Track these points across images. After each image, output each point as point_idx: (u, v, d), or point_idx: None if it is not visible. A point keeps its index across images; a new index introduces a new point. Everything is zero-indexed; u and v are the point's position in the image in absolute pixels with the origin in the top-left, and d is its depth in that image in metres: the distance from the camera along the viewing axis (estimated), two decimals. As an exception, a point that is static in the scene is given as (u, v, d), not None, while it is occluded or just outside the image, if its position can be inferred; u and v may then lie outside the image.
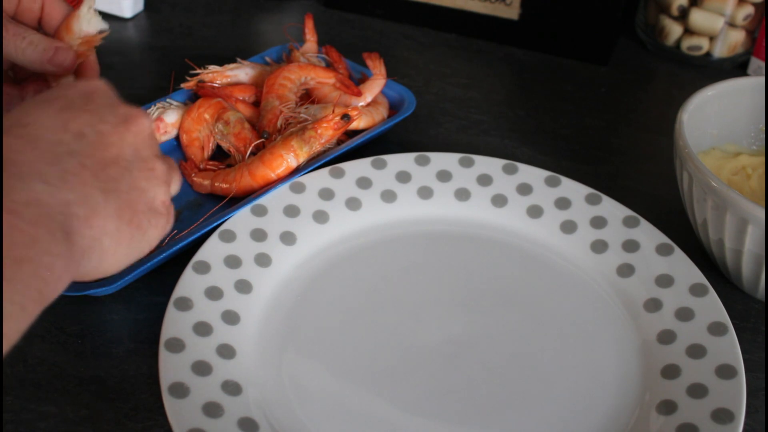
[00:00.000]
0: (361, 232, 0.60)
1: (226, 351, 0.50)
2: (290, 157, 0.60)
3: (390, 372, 0.51)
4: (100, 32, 0.53)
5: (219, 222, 0.57)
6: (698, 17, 0.78)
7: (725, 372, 0.48)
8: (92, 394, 0.49)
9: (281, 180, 0.60)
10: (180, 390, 0.46)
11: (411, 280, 0.56)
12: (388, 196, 0.61)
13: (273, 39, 0.83)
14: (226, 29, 0.84)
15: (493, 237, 0.60)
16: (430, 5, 0.83)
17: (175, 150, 0.66)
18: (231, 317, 0.52)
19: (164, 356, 0.48)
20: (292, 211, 0.59)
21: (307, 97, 0.68)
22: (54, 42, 0.50)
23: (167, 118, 0.65)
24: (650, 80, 0.81)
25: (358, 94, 0.67)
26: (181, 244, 0.55)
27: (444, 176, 0.62)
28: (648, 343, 0.52)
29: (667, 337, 0.52)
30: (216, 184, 0.61)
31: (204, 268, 0.53)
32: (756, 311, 0.57)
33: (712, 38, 0.79)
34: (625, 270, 0.56)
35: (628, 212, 0.59)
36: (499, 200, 0.61)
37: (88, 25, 0.50)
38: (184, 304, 0.51)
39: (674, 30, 0.80)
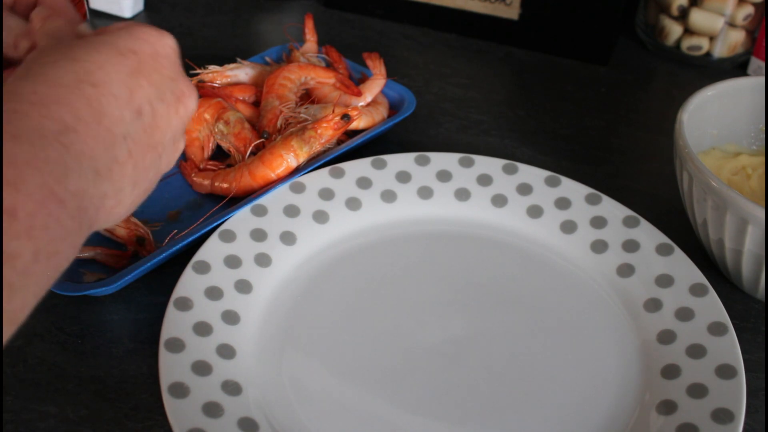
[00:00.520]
0: (361, 232, 0.60)
1: (226, 351, 0.50)
2: (290, 157, 0.60)
3: (390, 372, 0.51)
4: None
5: (219, 222, 0.57)
6: (698, 17, 0.78)
7: (725, 372, 0.48)
8: (92, 394, 0.49)
9: (281, 180, 0.60)
10: (180, 390, 0.46)
11: (411, 280, 0.56)
12: (388, 196, 0.61)
13: (273, 39, 0.83)
14: (226, 29, 0.84)
15: (493, 237, 0.60)
16: (430, 5, 0.83)
17: (175, 150, 0.66)
18: (231, 317, 0.52)
19: (164, 356, 0.48)
20: (292, 211, 0.59)
21: (307, 97, 0.68)
22: None
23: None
24: (650, 80, 0.81)
25: (358, 94, 0.67)
26: (181, 244, 0.55)
27: (444, 176, 0.62)
28: (648, 343, 0.52)
29: (667, 337, 0.52)
30: (216, 184, 0.61)
31: (204, 268, 0.53)
32: (756, 311, 0.57)
33: (712, 38, 0.79)
34: (625, 270, 0.56)
35: (628, 212, 0.59)
36: (499, 200, 0.61)
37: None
38: (184, 304, 0.51)
39: (674, 30, 0.80)
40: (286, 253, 0.57)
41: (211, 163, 0.64)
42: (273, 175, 0.60)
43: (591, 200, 0.60)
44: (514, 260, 0.58)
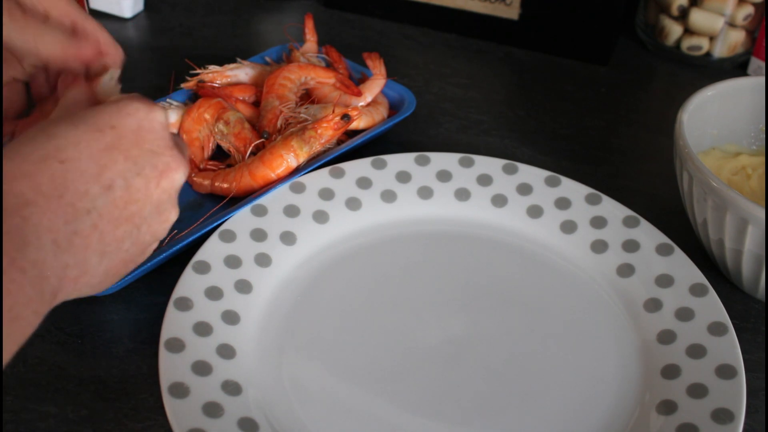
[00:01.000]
0: (361, 232, 0.60)
1: (226, 351, 0.50)
2: (290, 157, 0.60)
3: (390, 372, 0.51)
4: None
5: (219, 222, 0.57)
6: (698, 17, 0.78)
7: (725, 372, 0.48)
8: (92, 394, 0.49)
9: (281, 180, 0.60)
10: (180, 390, 0.46)
11: (411, 280, 0.56)
12: (388, 196, 0.61)
13: (273, 39, 0.83)
14: (226, 29, 0.84)
15: (493, 237, 0.60)
16: (430, 5, 0.83)
17: (175, 150, 0.66)
18: (231, 317, 0.52)
19: (164, 356, 0.48)
20: (292, 211, 0.59)
21: (307, 97, 0.68)
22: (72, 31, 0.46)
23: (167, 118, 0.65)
24: (650, 80, 0.81)
25: (358, 94, 0.67)
26: (181, 244, 0.55)
27: (444, 176, 0.62)
28: (648, 343, 0.52)
29: (667, 337, 0.52)
30: (216, 184, 0.61)
31: (204, 268, 0.53)
32: (756, 311, 0.57)
33: (712, 38, 0.79)
34: (625, 270, 0.56)
35: (628, 212, 0.59)
36: (499, 200, 0.61)
37: (105, 93, 0.48)
38: (184, 304, 0.51)
39: (674, 30, 0.80)
40: (286, 253, 0.57)
41: (211, 163, 0.64)
42: (273, 175, 0.60)
43: (591, 200, 0.60)
44: (514, 260, 0.58)
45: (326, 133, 0.61)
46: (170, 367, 0.47)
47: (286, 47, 0.74)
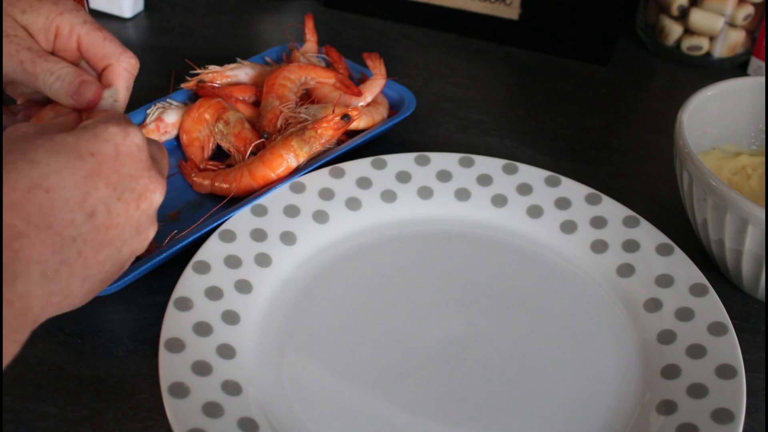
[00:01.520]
0: (361, 232, 0.60)
1: (226, 351, 0.50)
2: (290, 157, 0.60)
3: (390, 372, 0.51)
4: None
5: (219, 222, 0.57)
6: (698, 17, 0.78)
7: (725, 372, 0.48)
8: (92, 394, 0.49)
9: (281, 180, 0.60)
10: (180, 390, 0.46)
11: (411, 280, 0.56)
12: (388, 196, 0.61)
13: (273, 39, 0.83)
14: (226, 29, 0.84)
15: (493, 237, 0.60)
16: (430, 5, 0.83)
17: (175, 150, 0.66)
18: (231, 317, 0.52)
19: (164, 356, 0.48)
20: (292, 211, 0.59)
21: (307, 97, 0.68)
22: (81, 74, 0.48)
23: (167, 118, 0.65)
24: (650, 80, 0.81)
25: (358, 94, 0.67)
26: (181, 244, 0.55)
27: (444, 176, 0.62)
28: (648, 343, 0.52)
29: (667, 337, 0.52)
30: (216, 184, 0.61)
31: (204, 268, 0.53)
32: (756, 311, 0.57)
33: (712, 38, 0.79)
34: (625, 270, 0.56)
35: (628, 212, 0.59)
36: (499, 200, 0.61)
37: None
38: (184, 304, 0.51)
39: (674, 30, 0.80)
40: (286, 253, 0.57)
41: (211, 163, 0.64)
42: (273, 175, 0.60)
43: (591, 200, 0.60)
44: (514, 260, 0.58)
45: (326, 133, 0.61)
46: (170, 367, 0.47)
47: (286, 47, 0.74)
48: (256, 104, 0.68)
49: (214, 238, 0.55)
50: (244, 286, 0.54)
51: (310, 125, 0.61)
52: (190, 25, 0.84)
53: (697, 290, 0.53)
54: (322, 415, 0.48)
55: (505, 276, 0.57)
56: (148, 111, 0.65)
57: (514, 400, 0.49)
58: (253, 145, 0.62)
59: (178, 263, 0.55)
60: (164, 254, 0.54)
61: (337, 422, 0.47)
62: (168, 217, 0.60)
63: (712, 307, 0.52)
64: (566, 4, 0.78)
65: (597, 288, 0.56)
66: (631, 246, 0.57)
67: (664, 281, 0.55)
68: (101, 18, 0.83)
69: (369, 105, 0.68)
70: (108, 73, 0.49)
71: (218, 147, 0.65)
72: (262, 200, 0.59)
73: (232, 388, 0.48)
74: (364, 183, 0.61)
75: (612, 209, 0.59)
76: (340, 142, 0.65)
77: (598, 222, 0.59)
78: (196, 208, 0.61)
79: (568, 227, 0.59)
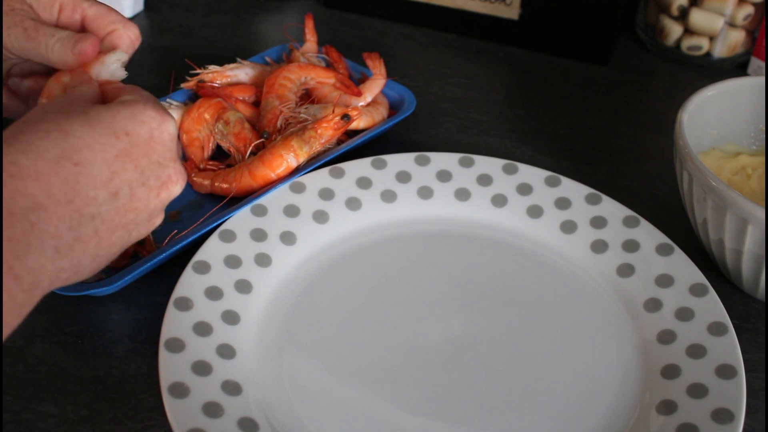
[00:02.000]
0: (361, 232, 0.60)
1: (226, 351, 0.50)
2: (290, 157, 0.60)
3: (390, 372, 0.51)
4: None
5: (219, 222, 0.57)
6: (698, 17, 0.78)
7: (725, 372, 0.48)
8: (92, 394, 0.49)
9: (281, 180, 0.60)
10: (180, 390, 0.46)
11: (411, 280, 0.56)
12: (388, 196, 0.61)
13: (273, 39, 0.83)
14: (226, 29, 0.84)
15: (493, 237, 0.60)
16: (430, 5, 0.83)
17: (175, 150, 0.66)
18: (231, 317, 0.52)
19: (164, 356, 0.48)
20: (292, 211, 0.59)
21: (307, 97, 0.68)
22: (80, 34, 0.48)
23: (167, 118, 0.65)
24: (650, 80, 0.81)
25: (358, 94, 0.67)
26: (181, 244, 0.55)
27: (444, 176, 0.62)
28: (648, 343, 0.52)
29: (667, 337, 0.52)
30: (216, 184, 0.61)
31: (204, 268, 0.53)
32: (756, 311, 0.57)
33: (712, 38, 0.79)
34: (625, 270, 0.56)
35: (628, 212, 0.59)
36: (499, 200, 0.61)
37: (109, 74, 0.48)
38: (184, 304, 0.51)
39: (674, 30, 0.80)
40: (286, 253, 0.57)
41: (211, 163, 0.64)
42: (273, 175, 0.60)
43: (591, 200, 0.60)
44: (514, 260, 0.58)
45: (326, 133, 0.61)
46: (170, 367, 0.47)
47: (286, 47, 0.74)
48: (256, 104, 0.68)
49: (214, 238, 0.55)
50: (244, 286, 0.54)
51: (310, 125, 0.61)
52: (190, 25, 0.84)
53: (697, 290, 0.53)
54: (322, 415, 0.48)
55: (505, 276, 0.57)
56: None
57: (514, 400, 0.49)
58: (253, 145, 0.62)
59: (178, 263, 0.55)
60: (164, 254, 0.54)
61: (337, 422, 0.47)
62: (168, 217, 0.60)
63: (712, 307, 0.52)
64: (566, 4, 0.78)
65: (597, 288, 0.56)
66: (631, 246, 0.57)
67: (664, 281, 0.55)
68: (101, 18, 0.83)
69: (369, 105, 0.68)
70: (112, 37, 0.49)
71: (218, 147, 0.65)
72: (262, 200, 0.59)
73: (232, 388, 0.48)
74: (364, 183, 0.61)
75: (612, 209, 0.59)
76: (340, 142, 0.65)
77: (598, 222, 0.59)
78: (196, 208, 0.61)
79: (568, 227, 0.59)
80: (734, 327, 0.51)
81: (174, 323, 0.50)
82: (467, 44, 0.83)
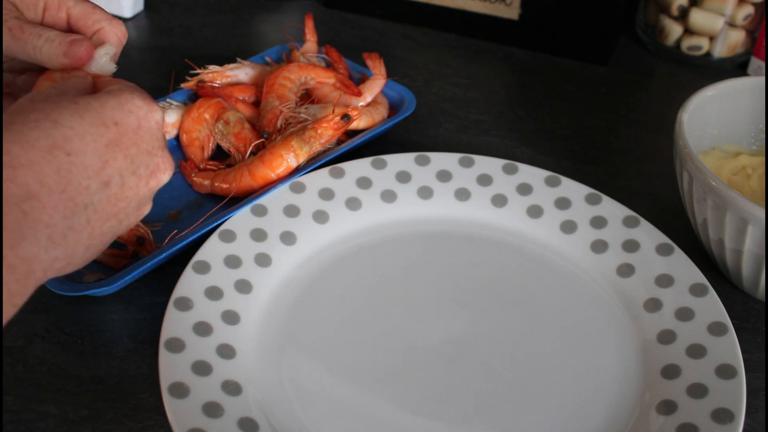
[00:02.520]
0: (361, 232, 0.60)
1: (226, 351, 0.50)
2: (290, 157, 0.60)
3: (390, 372, 0.51)
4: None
5: (219, 222, 0.57)
6: (698, 17, 0.78)
7: (725, 372, 0.48)
8: (92, 394, 0.49)
9: (281, 180, 0.60)
10: (180, 390, 0.46)
11: (411, 280, 0.56)
12: (388, 196, 0.61)
13: (273, 39, 0.83)
14: (226, 29, 0.84)
15: (493, 237, 0.60)
16: (430, 5, 0.83)
17: (175, 150, 0.66)
18: (231, 317, 0.52)
19: (164, 356, 0.48)
20: (292, 211, 0.59)
21: (307, 97, 0.68)
22: (69, 35, 0.48)
23: (167, 118, 0.65)
24: (650, 80, 0.81)
25: (358, 94, 0.67)
26: (181, 244, 0.55)
27: (444, 176, 0.62)
28: (648, 343, 0.52)
29: (667, 337, 0.52)
30: (216, 184, 0.61)
31: (204, 268, 0.53)
32: (756, 311, 0.57)
33: (712, 38, 0.79)
34: (625, 270, 0.56)
35: (628, 212, 0.59)
36: (499, 200, 0.61)
37: (99, 68, 0.49)
38: (184, 304, 0.51)
39: (674, 30, 0.80)
40: (286, 253, 0.57)
41: (211, 163, 0.64)
42: (273, 175, 0.60)
43: (591, 200, 0.60)
44: (514, 260, 0.58)
45: (326, 133, 0.61)
46: (170, 367, 0.47)
47: (286, 47, 0.74)
48: (256, 104, 0.68)
49: (214, 238, 0.55)
50: (244, 286, 0.54)
51: (310, 125, 0.61)
52: (190, 25, 0.84)
53: (697, 290, 0.53)
54: (322, 415, 0.48)
55: (505, 276, 0.57)
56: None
57: (514, 400, 0.49)
58: (253, 145, 0.62)
59: (178, 263, 0.55)
60: (164, 254, 0.54)
61: (337, 422, 0.47)
62: (168, 217, 0.60)
63: (712, 307, 0.52)
64: (566, 4, 0.78)
65: (597, 288, 0.56)
66: (631, 246, 0.57)
67: (664, 281, 0.55)
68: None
69: (369, 105, 0.68)
70: (100, 34, 0.49)
71: (218, 147, 0.65)
72: (262, 200, 0.59)
73: (232, 388, 0.48)
74: (364, 183, 0.61)
75: (612, 209, 0.59)
76: (340, 142, 0.65)
77: (598, 222, 0.59)
78: (196, 208, 0.61)
79: (568, 227, 0.59)
80: (734, 327, 0.51)
81: (174, 323, 0.50)
82: (467, 44, 0.83)
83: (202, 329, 0.50)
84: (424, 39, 0.84)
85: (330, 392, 0.49)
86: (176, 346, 0.48)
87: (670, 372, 0.50)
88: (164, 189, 0.61)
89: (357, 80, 0.71)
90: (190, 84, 0.68)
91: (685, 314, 0.52)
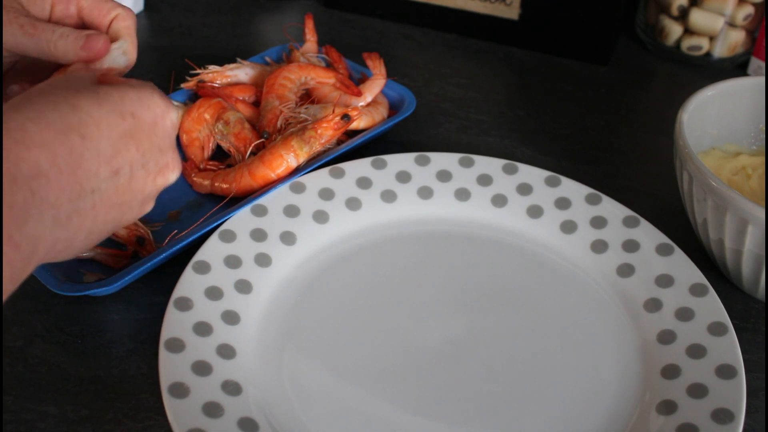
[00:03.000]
0: (361, 232, 0.60)
1: (226, 351, 0.50)
2: (290, 157, 0.60)
3: (390, 372, 0.51)
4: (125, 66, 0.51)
5: (219, 222, 0.57)
6: (698, 17, 0.78)
7: (725, 372, 0.48)
8: (92, 394, 0.49)
9: (281, 180, 0.60)
10: (180, 390, 0.46)
11: (411, 280, 0.56)
12: (388, 196, 0.61)
13: (273, 39, 0.83)
14: (226, 29, 0.84)
15: (493, 237, 0.60)
16: (430, 5, 0.83)
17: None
18: (231, 317, 0.52)
19: (164, 356, 0.48)
20: (292, 211, 0.59)
21: (307, 97, 0.68)
22: (84, 31, 0.48)
23: (167, 118, 0.65)
24: (650, 80, 0.81)
25: (358, 94, 0.67)
26: (181, 244, 0.55)
27: (444, 176, 0.62)
28: (648, 343, 0.52)
29: (667, 337, 0.52)
30: (216, 184, 0.61)
31: (204, 268, 0.53)
32: (756, 311, 0.57)
33: (712, 38, 0.79)
34: (625, 270, 0.56)
35: (628, 212, 0.59)
36: (499, 200, 0.61)
37: (111, 60, 0.49)
38: (184, 304, 0.51)
39: (674, 30, 0.80)
40: (286, 253, 0.57)
41: (211, 163, 0.64)
42: (273, 175, 0.60)
43: (591, 200, 0.60)
44: (514, 260, 0.58)
45: (326, 133, 0.61)
46: (170, 367, 0.47)
47: (286, 47, 0.74)
48: (256, 104, 0.68)
49: (214, 238, 0.55)
50: (244, 286, 0.54)
51: (310, 125, 0.61)
52: (190, 25, 0.84)
53: (697, 290, 0.53)
54: (322, 415, 0.48)
55: (505, 276, 0.57)
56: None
57: (514, 400, 0.49)
58: (253, 145, 0.62)
59: (178, 263, 0.55)
60: (164, 254, 0.54)
61: (337, 422, 0.47)
62: (168, 217, 0.60)
63: (712, 307, 0.52)
64: (566, 4, 0.78)
65: (597, 288, 0.56)
66: (631, 246, 0.57)
67: (664, 281, 0.55)
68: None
69: (369, 105, 0.68)
70: (118, 24, 0.49)
71: (218, 147, 0.65)
72: (262, 200, 0.59)
73: (232, 388, 0.48)
74: (364, 183, 0.61)
75: (612, 209, 0.59)
76: (340, 142, 0.65)
77: (598, 222, 0.59)
78: (196, 208, 0.61)
79: (568, 227, 0.59)
80: (734, 327, 0.51)
81: (174, 323, 0.50)
82: (467, 44, 0.83)
83: (202, 329, 0.50)
84: (424, 39, 0.84)
85: (330, 392, 0.49)
86: (176, 346, 0.48)
87: (670, 372, 0.50)
88: (164, 189, 0.61)
89: (357, 80, 0.71)
90: (190, 84, 0.68)
91: (685, 314, 0.52)
